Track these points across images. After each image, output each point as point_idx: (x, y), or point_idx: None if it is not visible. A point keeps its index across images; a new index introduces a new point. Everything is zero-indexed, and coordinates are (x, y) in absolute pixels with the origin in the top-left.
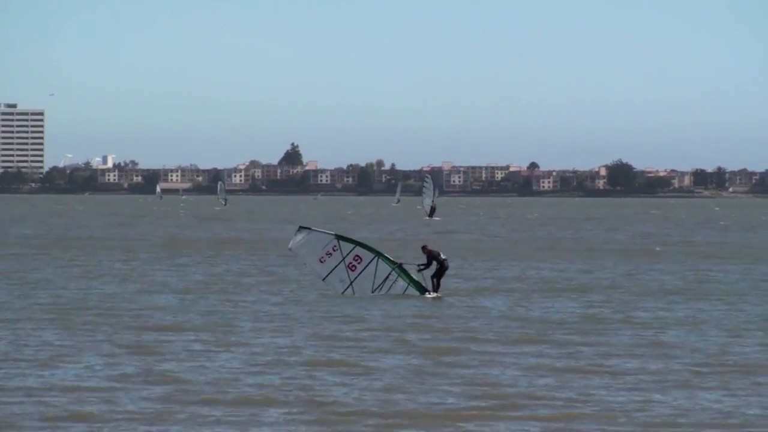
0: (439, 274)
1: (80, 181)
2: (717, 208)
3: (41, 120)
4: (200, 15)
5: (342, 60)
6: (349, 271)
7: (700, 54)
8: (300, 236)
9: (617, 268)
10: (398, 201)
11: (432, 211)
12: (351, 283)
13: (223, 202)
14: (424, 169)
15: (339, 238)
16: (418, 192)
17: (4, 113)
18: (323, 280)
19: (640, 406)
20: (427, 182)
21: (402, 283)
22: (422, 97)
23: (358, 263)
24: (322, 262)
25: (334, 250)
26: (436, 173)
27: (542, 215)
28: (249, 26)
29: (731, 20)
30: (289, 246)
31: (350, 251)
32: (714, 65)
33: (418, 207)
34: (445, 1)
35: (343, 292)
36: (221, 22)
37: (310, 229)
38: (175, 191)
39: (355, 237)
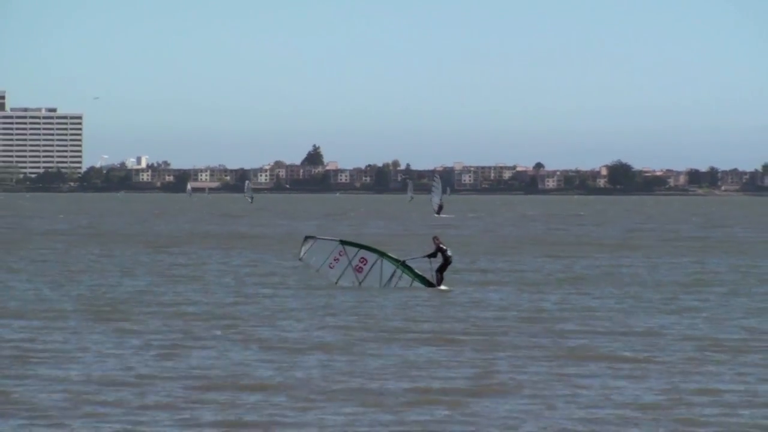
0: (441, 268)
1: (116, 180)
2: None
3: (80, 123)
4: (229, 26)
5: (360, 67)
6: (357, 273)
7: (694, 63)
8: (307, 245)
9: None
10: (411, 198)
11: (440, 209)
12: (360, 283)
13: (250, 200)
14: (437, 169)
15: (343, 243)
16: (430, 190)
17: (45, 117)
18: (336, 283)
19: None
20: (435, 182)
21: (407, 278)
22: (435, 101)
23: (364, 265)
24: (331, 267)
25: (340, 255)
26: (447, 173)
27: (530, 213)
28: (274, 37)
29: (724, 32)
30: (299, 257)
31: (355, 254)
32: (707, 73)
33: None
34: (458, 14)
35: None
36: (249, 33)
37: (315, 237)
38: (202, 190)
39: (374, 228)
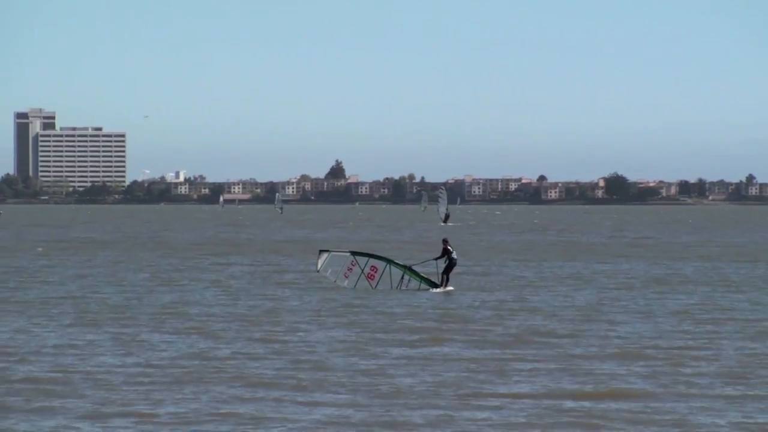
0: (447, 270)
1: (156, 193)
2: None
3: (123, 141)
4: (260, 53)
5: (379, 89)
6: (369, 280)
7: (685, 84)
8: (322, 258)
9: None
10: (424, 209)
11: (446, 218)
12: (374, 289)
13: (280, 211)
14: (449, 181)
15: (354, 254)
16: (437, 201)
17: (91, 135)
18: (352, 288)
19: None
20: (441, 193)
21: (414, 282)
22: (447, 119)
23: (375, 272)
24: (346, 277)
25: (353, 265)
26: (458, 185)
27: (522, 222)
28: (301, 63)
29: (713, 56)
30: (317, 269)
31: (366, 263)
32: (697, 93)
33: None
34: (468, 36)
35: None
36: (278, 60)
37: (329, 251)
38: (233, 201)
39: (392, 239)
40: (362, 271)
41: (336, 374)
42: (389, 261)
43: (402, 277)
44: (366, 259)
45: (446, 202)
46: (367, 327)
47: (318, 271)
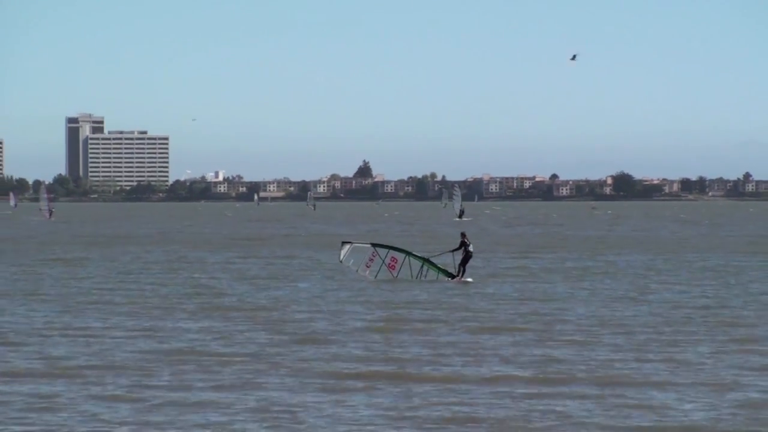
0: (464, 261)
1: (197, 191)
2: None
3: (166, 143)
4: (293, 59)
5: (404, 93)
6: (390, 270)
7: (687, 86)
8: (345, 249)
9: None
10: (445, 205)
11: (461, 213)
12: (395, 278)
13: (313, 207)
14: (468, 179)
15: (374, 245)
16: (451, 198)
17: (137, 138)
18: (373, 279)
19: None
20: (456, 191)
21: (432, 273)
22: (467, 121)
23: (395, 263)
24: (368, 267)
25: (374, 257)
26: (477, 183)
27: (520, 217)
28: (330, 68)
29: (711, 59)
30: (340, 259)
31: (386, 255)
32: (698, 96)
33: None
34: (484, 44)
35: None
36: (308, 65)
37: (351, 243)
38: (266, 199)
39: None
40: (383, 262)
41: None
42: (408, 253)
43: (421, 268)
44: (386, 251)
45: (461, 199)
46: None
47: (341, 262)
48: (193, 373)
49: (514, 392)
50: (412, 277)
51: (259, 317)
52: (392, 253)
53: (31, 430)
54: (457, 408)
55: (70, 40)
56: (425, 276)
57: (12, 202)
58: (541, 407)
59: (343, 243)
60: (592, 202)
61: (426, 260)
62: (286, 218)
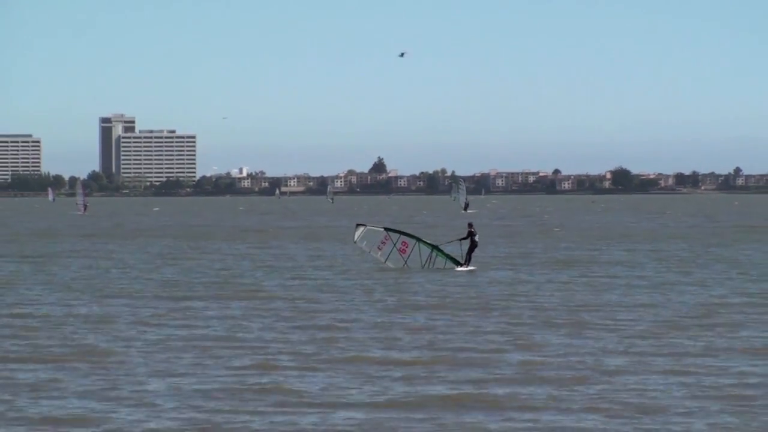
0: (470, 250)
1: (223, 186)
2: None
3: (194, 141)
4: (311, 61)
5: (415, 93)
6: (401, 254)
7: (682, 86)
8: (359, 231)
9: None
10: (455, 199)
11: (466, 206)
12: (405, 262)
13: (331, 201)
14: (476, 175)
15: (387, 230)
16: (471, 191)
17: (166, 137)
18: (384, 263)
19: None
20: (461, 185)
21: (440, 260)
22: (475, 119)
23: (406, 248)
24: (380, 249)
25: (386, 240)
26: (484, 178)
27: (515, 210)
28: (347, 70)
29: (705, 61)
30: (354, 240)
31: (398, 239)
32: (691, 94)
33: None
34: (495, 45)
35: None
36: (326, 68)
37: (365, 225)
38: (285, 193)
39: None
40: (394, 245)
41: None
42: (418, 239)
43: (430, 254)
44: (398, 235)
45: (465, 192)
46: None
47: (355, 242)
48: None
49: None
50: (421, 262)
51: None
52: (403, 238)
53: None
54: None
55: (103, 44)
56: (433, 262)
57: (51, 197)
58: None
59: (358, 225)
60: (593, 196)
61: (435, 247)
62: (299, 212)
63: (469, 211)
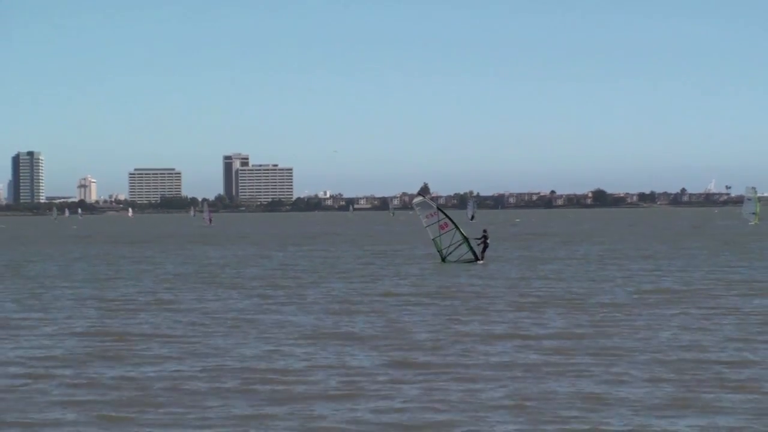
0: (483, 249)
1: (312, 204)
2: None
3: (291, 172)
4: (371, 96)
5: (453, 127)
6: (440, 229)
7: (645, 123)
8: (418, 200)
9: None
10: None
11: (473, 217)
12: (440, 236)
13: (392, 214)
14: (494, 194)
15: (438, 208)
16: (491, 207)
17: (271, 168)
18: (425, 228)
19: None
20: (470, 202)
21: (465, 248)
22: (494, 150)
23: (446, 227)
24: (427, 218)
25: (434, 214)
26: (500, 197)
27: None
28: (401, 106)
29: (661, 97)
30: (413, 203)
31: (442, 218)
32: (653, 130)
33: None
34: (506, 87)
35: (434, 239)
36: (387, 103)
37: (423, 197)
38: (349, 209)
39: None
40: (438, 221)
41: None
42: (456, 226)
43: (459, 241)
44: (443, 216)
45: (473, 207)
46: None
47: (412, 207)
48: None
49: None
50: (449, 244)
51: None
52: (446, 219)
53: None
54: None
55: (226, 97)
56: (458, 248)
57: (192, 213)
58: None
59: (418, 194)
60: (572, 210)
61: (466, 238)
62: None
63: (473, 220)
